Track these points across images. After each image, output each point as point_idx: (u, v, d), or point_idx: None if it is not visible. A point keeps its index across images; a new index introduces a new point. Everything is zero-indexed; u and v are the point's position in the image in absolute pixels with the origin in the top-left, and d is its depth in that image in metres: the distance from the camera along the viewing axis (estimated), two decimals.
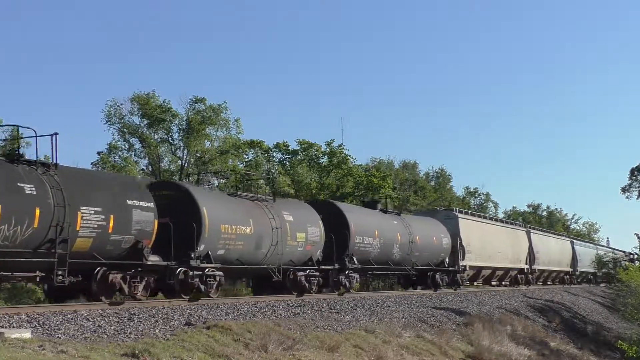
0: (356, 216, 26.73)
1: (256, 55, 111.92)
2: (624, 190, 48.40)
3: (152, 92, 38.18)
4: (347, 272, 25.48)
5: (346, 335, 18.04)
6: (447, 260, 33.29)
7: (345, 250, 25.27)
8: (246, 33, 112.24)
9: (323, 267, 24.10)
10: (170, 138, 38.74)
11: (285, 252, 22.06)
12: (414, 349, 19.07)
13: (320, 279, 23.94)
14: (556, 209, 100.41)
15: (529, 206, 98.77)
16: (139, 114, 38.00)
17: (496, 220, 46.68)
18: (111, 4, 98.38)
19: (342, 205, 27.94)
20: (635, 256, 45.52)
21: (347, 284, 25.66)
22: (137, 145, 38.37)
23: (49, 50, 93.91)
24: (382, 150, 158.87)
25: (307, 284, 23.19)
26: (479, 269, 38.45)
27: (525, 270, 45.73)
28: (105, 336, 13.08)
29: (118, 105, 37.84)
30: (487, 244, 39.22)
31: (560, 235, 62.32)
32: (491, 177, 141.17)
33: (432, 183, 68.64)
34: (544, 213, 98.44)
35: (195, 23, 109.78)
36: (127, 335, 13.38)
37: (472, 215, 41.62)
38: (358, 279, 26.84)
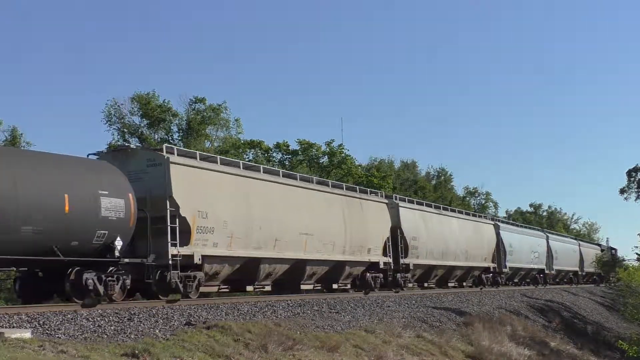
0: None
1: (256, 55, 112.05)
2: (622, 191, 48.39)
3: (152, 92, 38.33)
4: None
5: (346, 335, 18.03)
6: (119, 244, 15.92)
7: None
8: (246, 33, 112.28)
9: None
10: (170, 138, 38.83)
11: None
12: (414, 349, 19.06)
13: None
14: (556, 208, 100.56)
15: (530, 206, 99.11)
16: (139, 114, 38.12)
17: (310, 181, 24.85)
18: (112, 3, 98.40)
19: None
20: (636, 256, 45.12)
21: None
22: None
23: (49, 50, 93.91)
24: (382, 150, 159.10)
25: None
26: (244, 263, 20.43)
27: (383, 266, 27.34)
28: (105, 336, 13.07)
29: (118, 105, 38.04)
30: (270, 219, 21.24)
31: (477, 216, 41.52)
32: (491, 177, 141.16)
33: (434, 182, 68.50)
34: (545, 213, 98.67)
35: (195, 23, 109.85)
36: (127, 335, 13.38)
37: (215, 162, 20.44)
38: None
